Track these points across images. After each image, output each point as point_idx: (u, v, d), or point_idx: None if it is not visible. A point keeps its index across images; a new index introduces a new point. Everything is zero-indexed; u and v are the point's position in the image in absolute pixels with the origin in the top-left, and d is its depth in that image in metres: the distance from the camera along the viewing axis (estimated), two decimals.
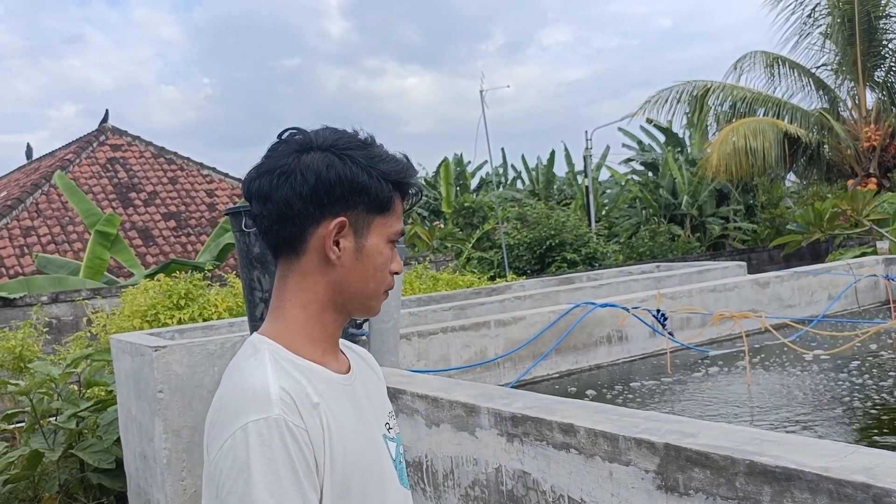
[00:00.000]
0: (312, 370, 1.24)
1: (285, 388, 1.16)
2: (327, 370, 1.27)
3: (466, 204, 21.35)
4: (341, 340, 1.43)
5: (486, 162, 29.94)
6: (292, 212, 1.24)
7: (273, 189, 1.25)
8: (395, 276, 1.36)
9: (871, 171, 14.93)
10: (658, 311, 4.57)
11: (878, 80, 15.41)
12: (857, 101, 15.70)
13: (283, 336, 1.27)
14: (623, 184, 26.43)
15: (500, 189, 26.11)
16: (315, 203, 1.24)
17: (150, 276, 8.72)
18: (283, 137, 1.31)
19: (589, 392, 4.04)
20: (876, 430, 3.17)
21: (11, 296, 9.70)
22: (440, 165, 25.61)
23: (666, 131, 25.71)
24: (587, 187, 23.80)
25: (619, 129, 27.99)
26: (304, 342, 1.27)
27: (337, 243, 1.26)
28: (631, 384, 4.15)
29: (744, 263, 7.06)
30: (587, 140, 24.47)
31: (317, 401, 1.18)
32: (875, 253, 9.00)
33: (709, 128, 16.81)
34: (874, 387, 3.78)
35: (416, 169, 1.34)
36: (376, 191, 1.26)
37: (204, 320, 6.38)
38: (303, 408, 1.16)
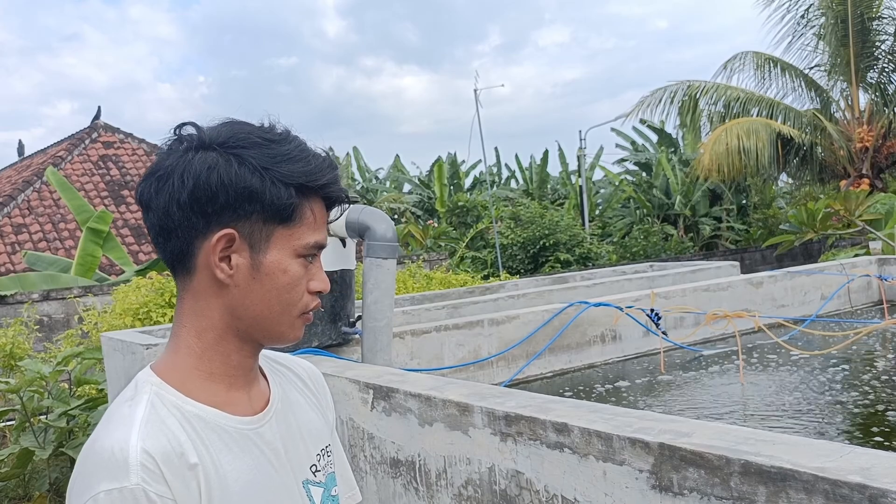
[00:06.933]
0: (203, 418, 1.06)
1: (149, 451, 0.98)
2: (226, 415, 1.09)
3: (460, 203, 21.37)
4: (275, 354, 1.28)
5: (479, 161, 30.02)
6: (173, 222, 1.06)
7: (152, 196, 1.08)
8: (317, 295, 1.14)
9: (864, 171, 14.99)
10: (652, 310, 4.56)
11: (870, 81, 15.46)
12: (850, 102, 15.75)
13: (177, 372, 1.09)
14: (617, 184, 26.49)
15: (494, 188, 26.14)
16: (197, 212, 1.05)
17: (142, 273, 8.69)
18: (179, 133, 1.11)
19: (584, 390, 4.03)
20: (870, 430, 3.17)
21: (3, 293, 9.65)
22: (434, 165, 25.65)
23: (659, 132, 25.78)
24: (581, 187, 23.84)
25: (613, 129, 28.10)
26: (201, 379, 1.10)
27: (228, 259, 1.07)
28: (624, 383, 4.14)
29: (737, 263, 7.06)
30: (581, 140, 24.54)
31: (195, 461, 1.02)
32: (868, 253, 9.03)
33: (702, 128, 16.84)
34: (867, 386, 3.78)
35: (336, 167, 1.13)
36: (272, 197, 1.06)
37: None
38: (171, 473, 0.99)
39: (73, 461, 5.42)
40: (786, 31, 16.05)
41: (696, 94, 16.03)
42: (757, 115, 15.84)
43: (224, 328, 1.10)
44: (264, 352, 1.21)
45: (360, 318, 3.56)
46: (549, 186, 27.95)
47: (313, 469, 1.20)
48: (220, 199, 1.05)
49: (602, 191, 27.95)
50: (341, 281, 3.59)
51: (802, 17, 15.77)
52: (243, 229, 1.07)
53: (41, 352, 7.49)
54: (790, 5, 15.76)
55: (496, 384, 3.89)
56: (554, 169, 28.78)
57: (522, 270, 17.07)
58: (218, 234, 1.06)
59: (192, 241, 1.07)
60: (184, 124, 1.11)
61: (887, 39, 15.28)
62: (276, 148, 1.08)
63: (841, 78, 15.70)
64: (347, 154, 29.42)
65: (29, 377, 5.36)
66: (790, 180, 19.23)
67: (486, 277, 13.75)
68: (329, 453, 1.25)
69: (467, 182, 28.77)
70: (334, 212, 1.16)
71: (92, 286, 10.08)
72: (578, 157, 24.63)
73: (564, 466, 1.95)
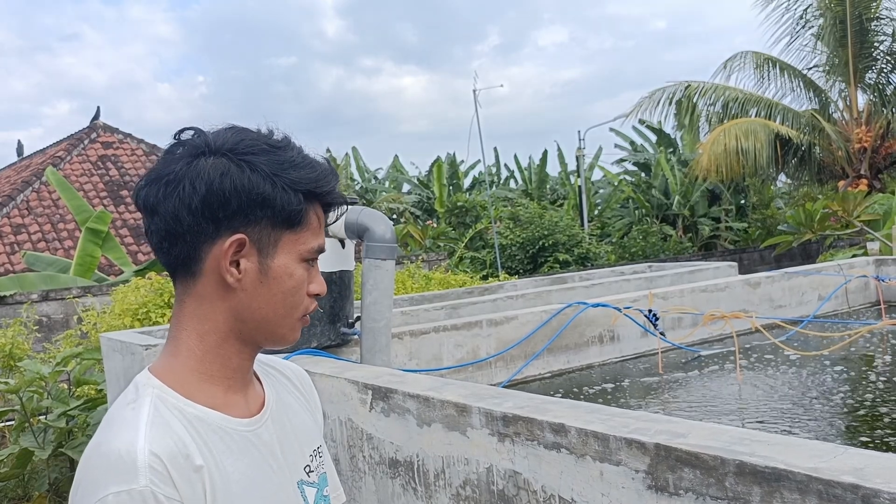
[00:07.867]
0: (204, 420, 1.08)
1: (156, 453, 0.99)
2: (226, 417, 1.11)
3: (459, 203, 21.38)
4: (265, 358, 1.31)
5: (478, 161, 30.03)
6: (182, 227, 1.07)
7: (159, 201, 1.08)
8: (315, 298, 1.17)
9: (862, 172, 15.01)
10: (650, 310, 4.58)
11: (869, 81, 15.49)
12: (848, 103, 15.78)
13: (176, 374, 1.10)
14: (616, 184, 26.50)
15: (493, 189, 26.15)
16: (207, 218, 1.06)
17: (141, 273, 8.69)
18: (179, 138, 1.12)
19: (582, 391, 4.05)
20: (865, 431, 3.18)
21: (2, 293, 9.65)
22: (433, 165, 25.66)
23: (658, 132, 25.80)
24: (580, 187, 23.84)
25: (612, 129, 28.10)
26: (200, 381, 1.11)
27: (237, 264, 1.09)
28: (622, 384, 4.15)
29: (735, 264, 7.08)
30: (580, 140, 24.55)
31: (200, 462, 1.03)
32: (866, 254, 9.04)
33: (701, 129, 16.87)
34: (863, 387, 3.79)
35: (337, 173, 1.17)
36: (282, 203, 1.08)
37: None
38: (179, 475, 1.00)
39: (72, 461, 5.43)
40: (784, 32, 16.10)
41: (694, 95, 16.05)
42: (755, 116, 15.86)
43: (227, 331, 1.12)
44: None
45: (358, 318, 3.57)
46: (548, 186, 27.95)
47: (307, 469, 1.22)
48: (233, 204, 1.06)
49: (601, 191, 27.96)
50: (340, 282, 3.60)
51: (801, 17, 15.81)
52: (253, 234, 1.09)
53: (40, 352, 7.49)
54: (788, 5, 15.80)
55: (495, 385, 3.90)
56: (553, 169, 28.84)
57: (521, 271, 17.08)
58: (230, 239, 1.07)
59: (199, 245, 1.08)
60: (185, 129, 1.12)
61: (885, 40, 15.30)
62: (282, 154, 1.10)
63: (839, 78, 15.73)
64: (346, 154, 29.40)
65: (28, 377, 5.37)
66: (788, 181, 19.26)
67: (485, 278, 13.76)
68: (321, 454, 1.27)
69: (466, 182, 28.78)
70: (331, 216, 1.20)
71: (91, 286, 10.08)
72: (577, 158, 24.64)
73: (561, 467, 1.96)
